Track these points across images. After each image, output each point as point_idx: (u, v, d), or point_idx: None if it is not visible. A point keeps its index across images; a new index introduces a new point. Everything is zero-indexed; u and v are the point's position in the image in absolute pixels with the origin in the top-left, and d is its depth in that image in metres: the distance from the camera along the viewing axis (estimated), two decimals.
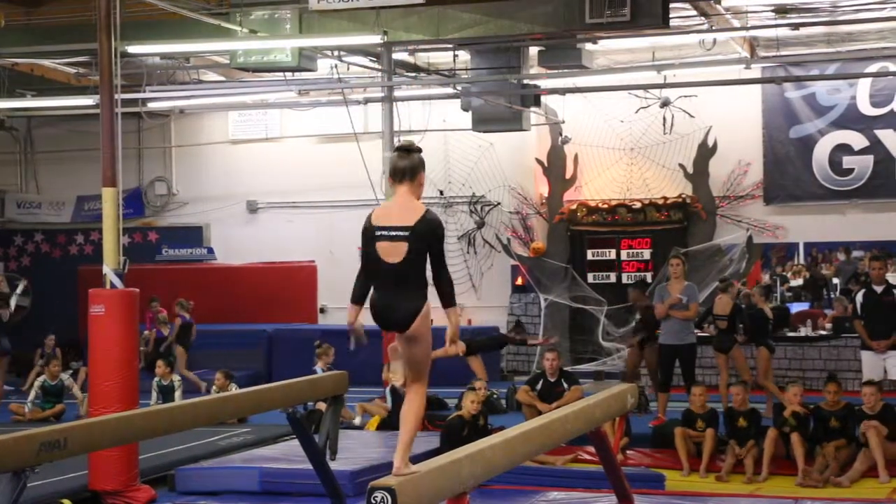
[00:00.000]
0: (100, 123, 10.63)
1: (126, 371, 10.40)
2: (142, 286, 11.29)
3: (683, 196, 19.35)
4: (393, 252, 5.34)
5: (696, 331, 14.06)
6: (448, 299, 5.48)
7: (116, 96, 10.67)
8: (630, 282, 18.31)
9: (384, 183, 16.41)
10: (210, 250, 22.38)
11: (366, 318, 5.62)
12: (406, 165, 5.54)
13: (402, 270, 5.34)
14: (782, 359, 16.70)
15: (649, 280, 18.58)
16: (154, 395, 14.82)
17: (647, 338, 14.56)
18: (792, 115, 18.99)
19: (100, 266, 10.61)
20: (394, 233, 5.33)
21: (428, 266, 5.48)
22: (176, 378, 15.06)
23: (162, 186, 22.89)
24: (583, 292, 19.23)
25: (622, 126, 19.63)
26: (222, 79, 20.25)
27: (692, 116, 18.89)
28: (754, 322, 14.41)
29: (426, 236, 5.37)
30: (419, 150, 5.63)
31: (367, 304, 5.54)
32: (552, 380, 12.70)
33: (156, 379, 15.00)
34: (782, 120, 19.04)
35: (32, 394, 15.80)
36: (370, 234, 5.45)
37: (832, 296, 18.61)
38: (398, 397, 14.06)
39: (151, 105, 19.48)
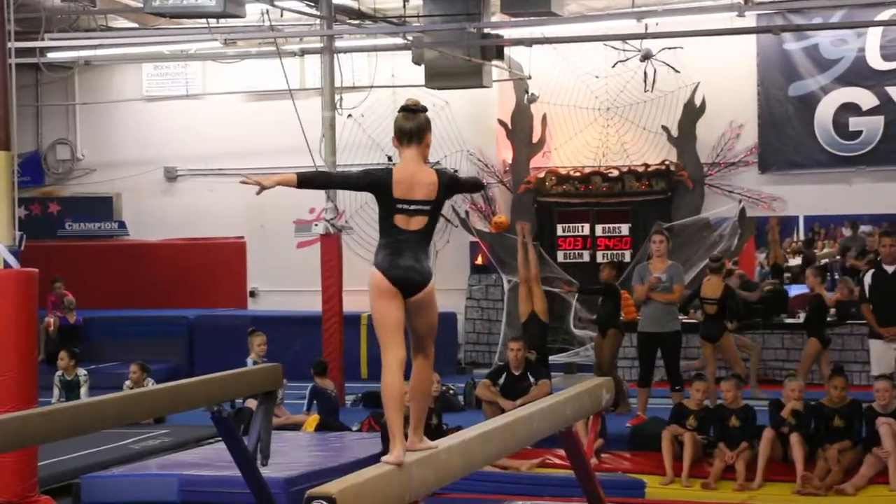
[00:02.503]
0: None
1: (23, 364, 10.32)
2: (42, 265, 11.19)
3: (667, 163, 19.43)
4: (412, 223, 5.90)
5: (681, 317, 14.14)
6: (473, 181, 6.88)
7: (10, 44, 10.57)
8: (606, 261, 18.35)
9: (323, 147, 16.40)
10: (121, 224, 22.28)
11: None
12: (412, 127, 5.99)
13: (420, 237, 5.92)
14: (779, 349, 16.84)
15: (628, 260, 18.69)
16: (56, 391, 14.75)
17: (608, 323, 14.69)
18: (791, 70, 19.08)
19: None
20: (414, 207, 5.89)
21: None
22: (82, 372, 14.97)
23: (65, 150, 22.73)
24: (552, 273, 19.26)
25: (597, 83, 19.67)
26: (135, 25, 20.09)
27: (677, 71, 18.95)
28: (810, 309, 14.55)
29: (446, 198, 6.02)
30: (425, 110, 6.05)
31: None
32: (517, 373, 12.72)
33: (58, 373, 14.91)
34: (780, 75, 19.13)
35: None
36: (387, 193, 5.89)
37: (835, 276, 18.74)
38: (325, 399, 14.10)
39: (51, 55, 19.29)
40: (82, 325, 19.55)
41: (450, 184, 6.00)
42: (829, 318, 15.52)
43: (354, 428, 13.75)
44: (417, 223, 5.88)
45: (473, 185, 6.88)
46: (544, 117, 19.93)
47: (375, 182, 5.91)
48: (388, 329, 5.83)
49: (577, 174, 19.78)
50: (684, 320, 14.59)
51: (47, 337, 18.46)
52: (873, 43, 18.70)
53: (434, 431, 11.09)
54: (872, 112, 18.72)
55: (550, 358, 17.98)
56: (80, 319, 19.56)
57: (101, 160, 22.44)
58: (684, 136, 19.39)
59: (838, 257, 19.40)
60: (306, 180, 6.16)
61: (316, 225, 16.64)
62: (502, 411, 11.12)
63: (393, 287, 5.82)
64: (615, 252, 19.28)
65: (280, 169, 19.98)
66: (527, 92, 19.87)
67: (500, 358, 17.08)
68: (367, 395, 15.88)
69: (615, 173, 19.62)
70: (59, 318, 19.22)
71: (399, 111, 6.06)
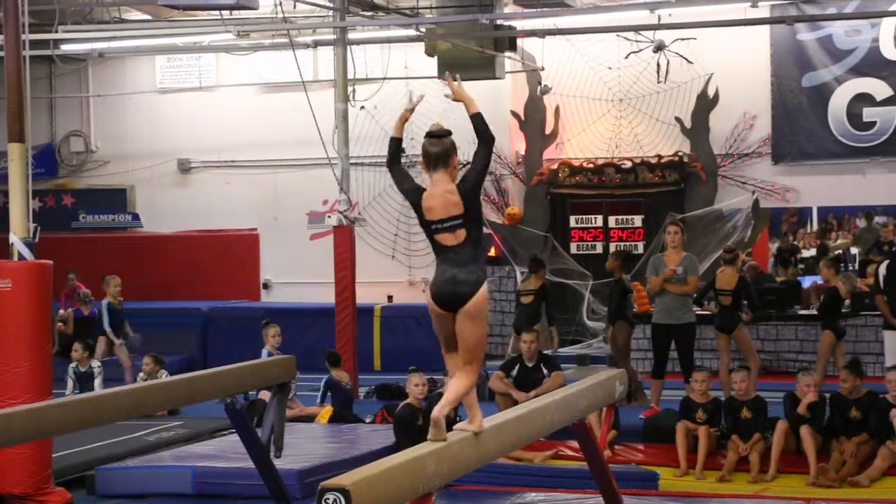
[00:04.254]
0: (4, 68, 10.52)
1: (37, 355, 10.33)
2: (56, 258, 11.18)
3: (680, 154, 19.40)
4: (452, 238, 5.99)
5: (695, 308, 14.11)
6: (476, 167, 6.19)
7: (23, 37, 10.55)
8: (613, 251, 18.31)
9: (336, 138, 16.38)
10: (135, 216, 22.30)
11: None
12: (439, 152, 6.08)
13: (464, 250, 5.98)
14: (793, 340, 16.78)
15: (640, 251, 18.64)
16: (70, 383, 14.75)
17: (615, 315, 14.68)
18: (805, 61, 19.04)
19: (5, 235, 10.54)
20: (449, 224, 5.97)
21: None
22: (96, 364, 14.99)
23: (78, 142, 22.74)
24: (565, 264, 19.28)
25: (610, 74, 19.64)
26: (148, 18, 20.09)
27: (690, 62, 18.91)
28: (824, 301, 14.52)
29: (477, 201, 6.09)
30: (449, 133, 6.20)
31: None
32: (530, 364, 12.70)
33: (72, 365, 14.93)
34: (794, 66, 19.09)
35: None
36: (420, 217, 6.04)
37: (849, 267, 18.68)
38: (339, 391, 14.10)
39: (65, 47, 19.29)
40: (97, 318, 19.58)
41: (472, 187, 6.05)
42: (843, 310, 15.47)
43: (368, 420, 13.74)
44: (459, 237, 5.97)
45: (482, 168, 6.19)
46: (557, 109, 19.91)
47: (414, 205, 6.06)
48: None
49: (590, 165, 19.75)
50: (699, 312, 14.56)
51: (63, 328, 18.55)
52: (887, 33, 18.67)
53: (449, 423, 11.08)
54: (886, 102, 18.69)
55: (564, 350, 18.06)
56: (95, 312, 19.58)
57: (115, 152, 22.46)
58: (697, 128, 19.36)
59: (853, 250, 19.34)
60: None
61: (329, 217, 16.65)
62: (515, 403, 11.10)
63: (434, 303, 5.91)
64: (628, 244, 19.24)
65: (294, 161, 20.22)
66: (540, 83, 19.85)
67: (513, 350, 17.05)
68: (380, 388, 15.86)
69: (628, 165, 19.60)
70: (73, 310, 19.27)
71: (425, 137, 6.16)
